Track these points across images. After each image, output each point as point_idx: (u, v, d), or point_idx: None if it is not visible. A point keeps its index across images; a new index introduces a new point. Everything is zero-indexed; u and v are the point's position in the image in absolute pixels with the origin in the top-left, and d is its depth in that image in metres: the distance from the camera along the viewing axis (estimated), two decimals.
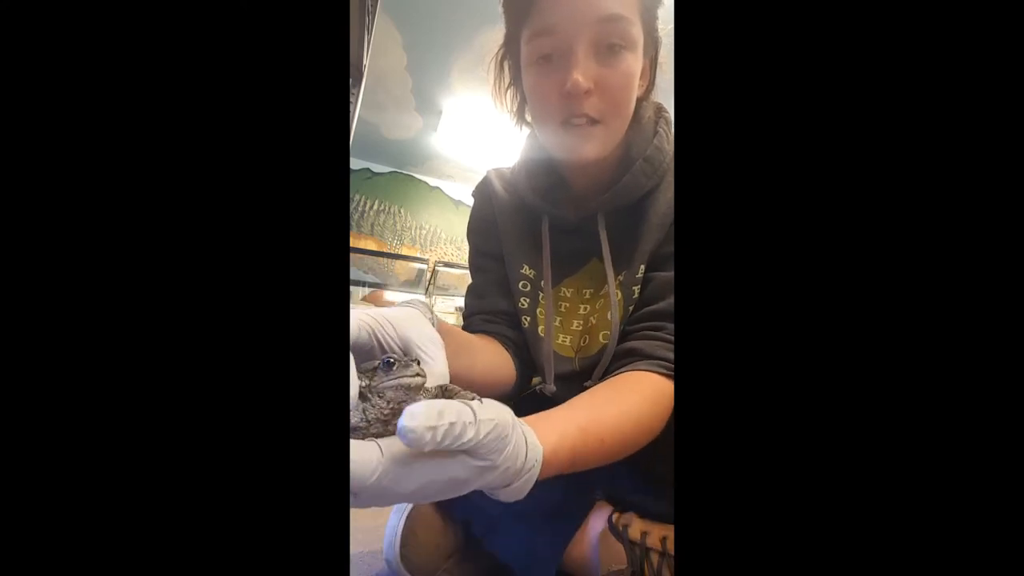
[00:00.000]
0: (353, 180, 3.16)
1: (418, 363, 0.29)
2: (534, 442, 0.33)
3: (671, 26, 0.56)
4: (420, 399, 0.28)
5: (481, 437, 0.26)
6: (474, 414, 0.26)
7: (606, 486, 0.53)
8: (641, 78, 0.56)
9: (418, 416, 0.24)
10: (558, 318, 0.60)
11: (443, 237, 3.39)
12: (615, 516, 0.50)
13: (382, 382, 0.28)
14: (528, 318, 0.58)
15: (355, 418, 0.27)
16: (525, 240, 0.61)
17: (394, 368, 0.28)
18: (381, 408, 0.28)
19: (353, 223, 3.18)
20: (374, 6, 1.31)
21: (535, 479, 0.33)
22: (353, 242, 3.11)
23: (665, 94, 0.61)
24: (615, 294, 0.54)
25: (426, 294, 2.96)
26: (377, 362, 0.29)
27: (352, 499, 0.24)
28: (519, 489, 0.32)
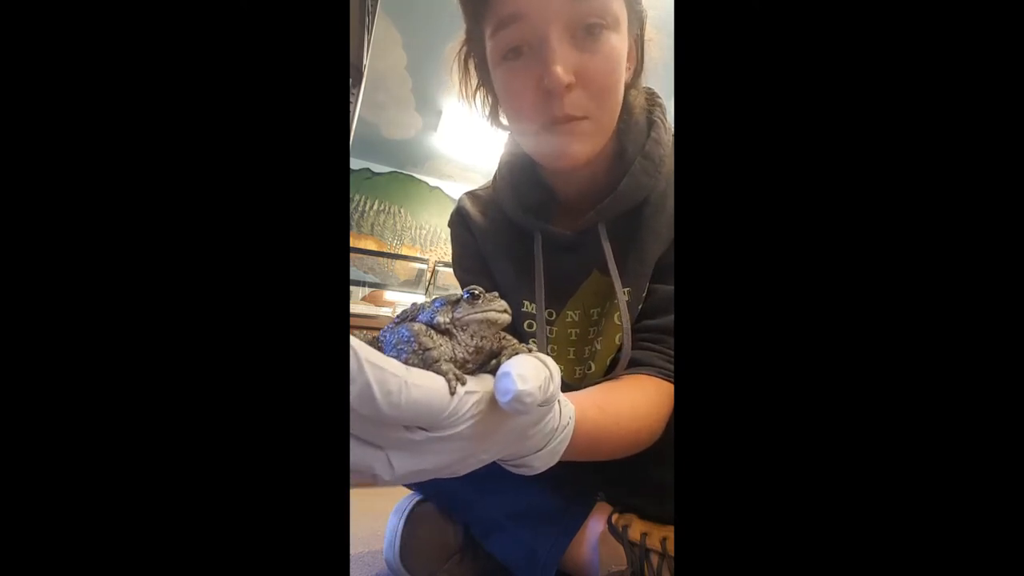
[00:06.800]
0: (353, 180, 3.15)
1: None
2: (565, 400, 0.32)
3: None
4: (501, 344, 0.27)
5: (557, 382, 0.25)
6: (544, 363, 0.25)
7: (606, 487, 0.53)
8: (627, 60, 0.49)
9: (528, 377, 0.22)
10: (571, 348, 0.54)
11: (443, 237, 3.38)
12: (615, 517, 0.50)
13: (467, 314, 0.26)
14: None
15: (435, 353, 0.25)
16: (520, 268, 0.55)
17: (479, 300, 0.27)
18: (467, 345, 0.26)
19: (353, 223, 3.17)
20: (374, 6, 1.31)
21: (568, 439, 0.31)
22: (353, 242, 3.11)
23: (655, 76, 0.54)
24: (626, 317, 0.48)
25: (426, 294, 2.96)
26: (458, 295, 0.27)
27: (408, 433, 0.22)
28: (554, 451, 0.30)
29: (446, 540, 0.55)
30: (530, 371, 0.23)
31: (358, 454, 0.22)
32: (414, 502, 0.57)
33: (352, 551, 0.68)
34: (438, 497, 0.56)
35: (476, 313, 0.26)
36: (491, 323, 0.26)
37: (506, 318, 0.27)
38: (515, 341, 0.28)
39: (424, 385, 0.22)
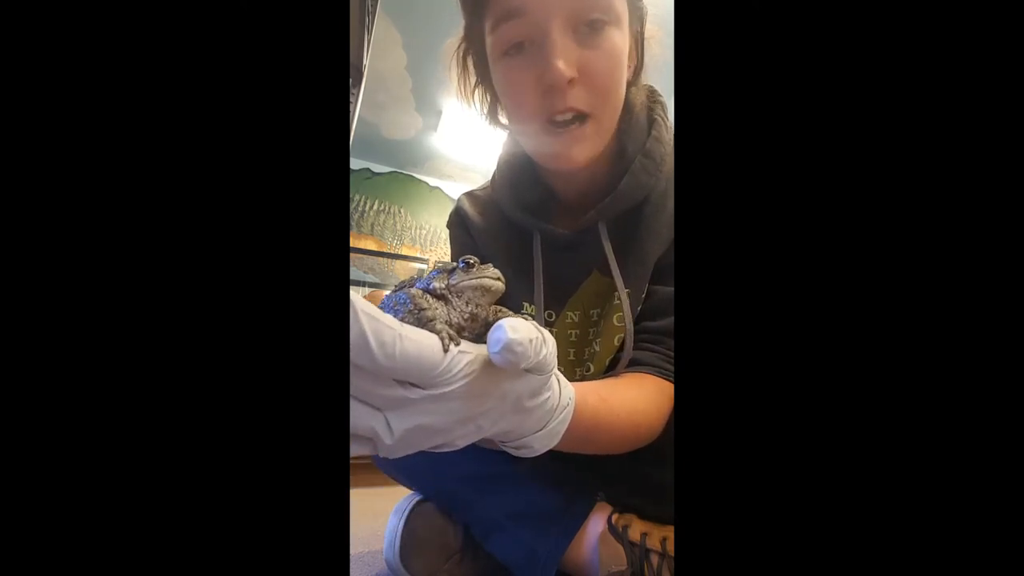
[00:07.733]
0: (353, 180, 3.15)
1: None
2: (565, 381, 0.32)
3: None
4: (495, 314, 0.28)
5: (551, 349, 0.26)
6: (537, 328, 0.25)
7: (606, 487, 0.53)
8: (628, 58, 0.48)
9: (520, 328, 0.23)
10: (570, 349, 0.54)
11: (443, 237, 3.38)
12: (615, 517, 0.49)
13: (462, 281, 0.27)
14: None
15: (430, 313, 0.26)
16: (519, 268, 0.54)
17: (473, 268, 0.28)
18: (462, 311, 0.27)
19: (353, 223, 3.17)
20: (374, 6, 1.31)
21: (568, 421, 0.31)
22: (353, 242, 3.11)
23: (656, 74, 0.53)
24: (628, 317, 0.48)
25: None
26: (453, 264, 0.28)
27: (403, 391, 0.22)
28: (553, 432, 0.30)
29: (446, 540, 0.55)
30: (521, 326, 0.24)
31: (358, 415, 0.22)
32: (414, 502, 0.57)
33: (352, 551, 0.68)
34: (438, 497, 0.56)
35: (470, 279, 0.27)
36: (485, 289, 0.27)
37: (499, 285, 0.27)
38: (511, 313, 0.29)
39: (417, 340, 0.22)
